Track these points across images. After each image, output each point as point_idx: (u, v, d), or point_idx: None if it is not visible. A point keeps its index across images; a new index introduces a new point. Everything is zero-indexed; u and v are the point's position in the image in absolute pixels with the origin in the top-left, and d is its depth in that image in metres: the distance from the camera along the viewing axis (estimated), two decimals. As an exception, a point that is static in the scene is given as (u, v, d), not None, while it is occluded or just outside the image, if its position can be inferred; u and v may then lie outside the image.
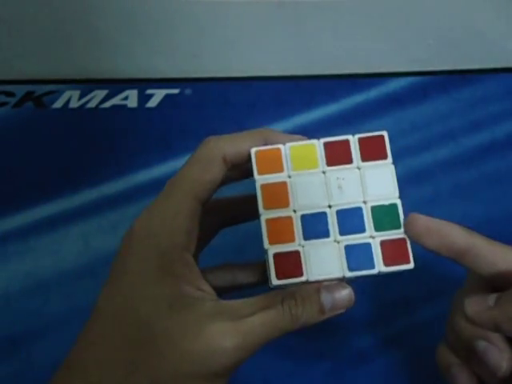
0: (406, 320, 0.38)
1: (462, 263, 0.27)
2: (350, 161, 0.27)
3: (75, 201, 0.44)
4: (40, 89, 0.50)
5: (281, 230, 0.26)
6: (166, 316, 0.24)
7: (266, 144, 0.28)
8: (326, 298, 0.26)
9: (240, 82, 0.51)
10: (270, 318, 0.25)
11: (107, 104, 0.49)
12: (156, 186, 0.28)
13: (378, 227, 0.26)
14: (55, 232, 0.42)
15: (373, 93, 0.50)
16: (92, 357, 0.24)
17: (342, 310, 0.27)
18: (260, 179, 0.27)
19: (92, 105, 0.49)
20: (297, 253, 0.26)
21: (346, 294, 0.26)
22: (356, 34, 0.52)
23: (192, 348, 0.24)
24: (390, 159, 0.27)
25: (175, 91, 0.50)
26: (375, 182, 0.26)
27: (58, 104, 0.49)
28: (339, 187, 0.26)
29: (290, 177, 0.27)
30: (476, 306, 0.25)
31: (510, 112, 0.48)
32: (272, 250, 0.26)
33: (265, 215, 0.26)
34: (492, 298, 0.25)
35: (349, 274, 0.26)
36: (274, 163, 0.27)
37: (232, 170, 0.28)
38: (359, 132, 0.28)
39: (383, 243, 0.26)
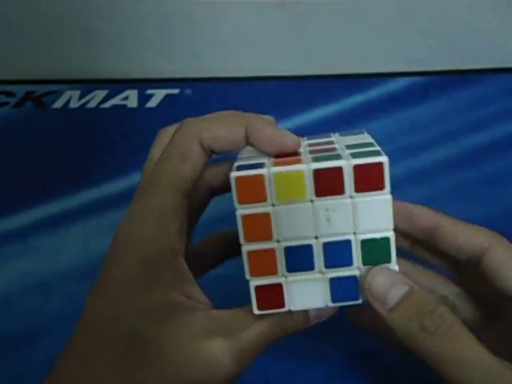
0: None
1: (431, 244, 0.28)
2: (342, 192, 0.23)
3: (75, 201, 0.44)
4: (40, 89, 0.50)
5: (263, 262, 0.24)
6: (157, 330, 0.23)
7: (246, 131, 0.25)
8: None
9: (240, 82, 0.51)
10: (263, 329, 0.25)
11: (107, 104, 0.49)
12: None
13: (367, 261, 0.24)
14: (55, 232, 0.42)
15: (373, 93, 0.50)
16: (81, 371, 0.23)
17: (328, 317, 0.27)
18: (241, 209, 0.24)
19: (92, 105, 0.49)
20: (279, 285, 0.25)
21: None
22: (356, 34, 0.52)
23: (188, 365, 0.23)
24: (387, 189, 0.23)
25: (175, 91, 0.50)
26: (368, 214, 0.23)
27: (58, 104, 0.49)
28: (328, 220, 0.24)
29: (273, 205, 0.24)
30: (376, 302, 0.24)
31: (510, 112, 0.48)
32: (254, 282, 0.25)
33: (246, 247, 0.24)
34: (393, 300, 0.24)
35: (331, 305, 0.25)
36: (256, 191, 0.24)
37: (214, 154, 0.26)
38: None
39: None
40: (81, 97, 0.50)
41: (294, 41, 0.52)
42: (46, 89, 0.50)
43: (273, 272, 0.24)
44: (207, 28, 0.52)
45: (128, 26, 0.51)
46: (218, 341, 0.23)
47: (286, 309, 0.25)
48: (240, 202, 0.24)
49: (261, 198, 0.23)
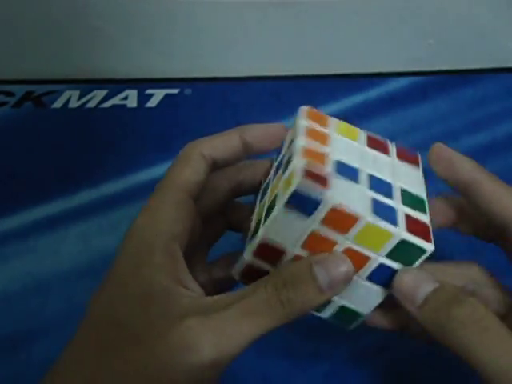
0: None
1: (465, 197, 0.27)
2: (387, 152, 0.28)
3: (75, 201, 0.44)
4: (40, 89, 0.50)
5: (315, 158, 0.25)
6: (138, 316, 0.23)
7: (241, 139, 0.28)
8: (320, 272, 0.23)
9: (240, 82, 0.51)
10: (251, 306, 0.22)
11: (107, 104, 0.49)
12: (156, 186, 0.28)
13: (406, 202, 0.25)
14: (55, 232, 0.42)
15: (373, 93, 0.50)
16: (71, 360, 0.23)
17: (343, 285, 0.24)
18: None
19: (92, 105, 0.49)
20: (326, 174, 0.24)
21: (341, 263, 0.24)
22: (356, 34, 0.52)
23: (158, 349, 0.21)
24: (420, 169, 0.28)
25: (175, 91, 0.50)
26: (406, 176, 0.27)
27: (58, 104, 0.49)
28: (374, 161, 0.27)
29: (330, 136, 0.27)
30: (404, 298, 0.24)
31: (510, 112, 0.48)
32: (302, 163, 0.24)
33: (300, 143, 0.25)
34: (421, 296, 0.24)
35: (371, 219, 0.23)
36: (319, 119, 0.29)
37: (217, 167, 0.29)
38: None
39: (408, 217, 0.25)
40: (80, 97, 0.50)
41: (294, 41, 0.52)
42: (45, 88, 0.50)
43: (322, 162, 0.25)
44: (207, 28, 0.52)
45: (127, 26, 0.51)
46: (189, 319, 0.22)
47: (328, 191, 0.23)
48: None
49: (323, 123, 0.28)
